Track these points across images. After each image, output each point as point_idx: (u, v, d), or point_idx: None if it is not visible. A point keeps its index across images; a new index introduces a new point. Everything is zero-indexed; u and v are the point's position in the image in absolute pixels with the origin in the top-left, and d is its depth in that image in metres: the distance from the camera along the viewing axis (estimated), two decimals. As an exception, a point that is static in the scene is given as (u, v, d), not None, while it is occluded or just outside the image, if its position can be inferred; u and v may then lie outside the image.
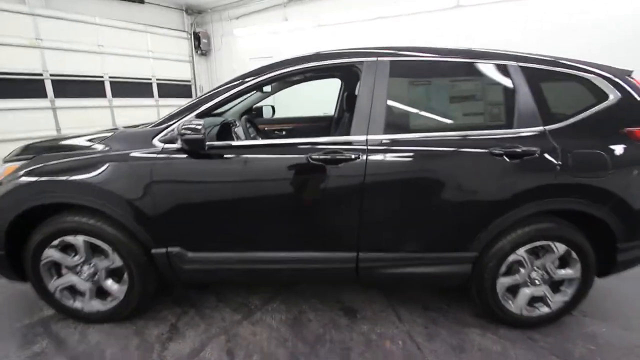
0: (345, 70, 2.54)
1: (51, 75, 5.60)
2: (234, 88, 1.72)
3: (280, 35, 6.53)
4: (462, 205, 1.66)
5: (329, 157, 1.61)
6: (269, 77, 1.72)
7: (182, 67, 7.54)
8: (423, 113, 1.76)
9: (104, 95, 6.32)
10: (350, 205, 1.65)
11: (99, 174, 1.63)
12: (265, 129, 3.24)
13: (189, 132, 1.50)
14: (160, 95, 7.14)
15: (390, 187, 1.64)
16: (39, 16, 5.42)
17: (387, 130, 1.64)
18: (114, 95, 6.43)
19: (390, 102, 1.67)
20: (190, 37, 7.50)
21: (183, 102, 1.82)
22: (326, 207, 1.68)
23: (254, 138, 2.09)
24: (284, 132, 3.25)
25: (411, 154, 1.62)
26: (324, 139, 1.70)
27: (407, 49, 1.75)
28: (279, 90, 3.02)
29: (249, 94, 2.79)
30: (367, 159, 1.60)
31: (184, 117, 1.68)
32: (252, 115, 3.26)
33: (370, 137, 1.64)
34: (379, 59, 1.70)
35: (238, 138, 2.19)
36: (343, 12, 5.83)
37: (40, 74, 5.51)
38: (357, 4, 5.68)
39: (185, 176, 1.66)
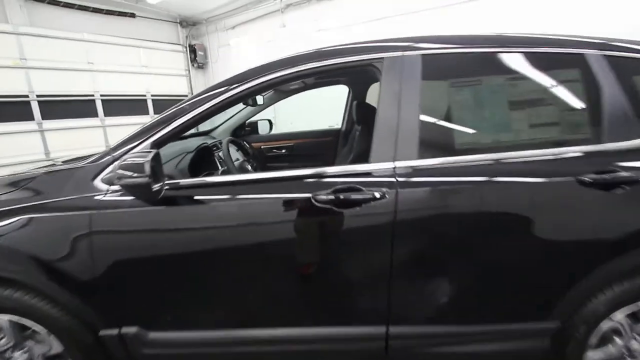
0: (354, 72, 2.02)
1: (38, 96, 5.27)
2: (205, 103, 1.24)
3: (279, 43, 6.12)
4: (536, 256, 1.14)
5: (341, 197, 1.12)
6: (247, 90, 1.24)
7: (178, 81, 7.19)
8: (472, 127, 1.24)
9: (95, 114, 5.97)
10: (375, 263, 1.16)
11: (14, 231, 1.16)
12: (262, 147, 2.77)
13: (129, 173, 1.02)
14: (155, 112, 6.76)
15: (431, 236, 1.15)
16: (23, 35, 5.11)
17: (422, 154, 1.15)
18: (107, 114, 6.08)
19: (424, 113, 1.18)
20: (186, 50, 7.17)
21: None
22: (340, 267, 1.19)
23: (241, 166, 1.61)
24: (283, 151, 2.77)
25: (460, 187, 1.13)
26: (333, 169, 1.21)
27: (443, 39, 1.26)
28: (273, 103, 2.55)
29: (233, 108, 2.31)
30: (397, 197, 1.10)
31: (135, 145, 1.20)
32: (246, 131, 2.79)
33: (399, 164, 1.14)
34: (406, 53, 1.20)
35: (222, 166, 1.71)
36: (344, 14, 5.41)
37: (26, 96, 5.17)
38: (359, 4, 5.25)
39: (140, 230, 1.18)
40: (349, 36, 5.33)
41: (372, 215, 1.11)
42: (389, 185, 1.12)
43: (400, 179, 1.12)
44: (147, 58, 6.55)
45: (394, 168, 1.14)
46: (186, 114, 1.22)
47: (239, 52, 6.81)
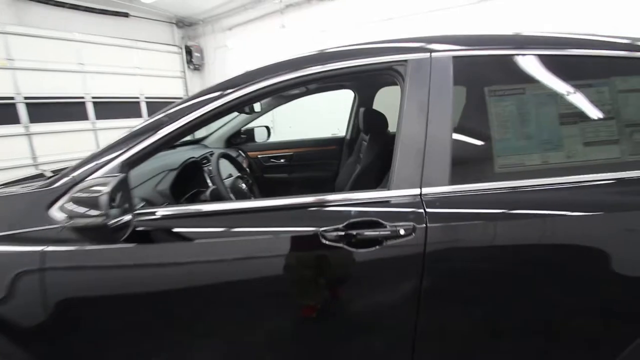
0: (365, 76, 1.79)
1: (25, 98, 5.04)
2: (190, 113, 1.01)
3: (279, 44, 5.90)
4: (611, 299, 0.92)
5: (356, 233, 0.89)
6: (243, 97, 1.01)
7: (174, 83, 6.96)
8: (518, 143, 0.99)
9: (86, 117, 5.74)
10: (398, 318, 0.93)
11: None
12: (259, 156, 2.54)
13: (80, 210, 0.79)
14: (150, 115, 6.52)
15: (473, 284, 0.92)
16: (10, 34, 4.87)
17: (457, 177, 0.93)
18: (98, 117, 5.84)
19: (458, 128, 0.96)
20: (182, 51, 6.95)
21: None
22: (352, 324, 0.97)
23: (233, 185, 1.37)
24: (282, 160, 2.55)
25: (510, 221, 0.91)
26: (343, 196, 0.97)
27: (480, 39, 1.04)
28: (271, 109, 2.33)
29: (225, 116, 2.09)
30: (426, 233, 0.88)
31: (101, 165, 0.97)
32: (242, 139, 2.57)
33: (427, 190, 0.92)
34: (435, 55, 0.99)
35: (213, 183, 1.47)
36: (347, 15, 5.20)
37: (12, 98, 4.93)
38: (362, 5, 5.05)
39: (103, 274, 0.95)
40: (352, 38, 5.12)
41: (394, 258, 0.89)
42: (416, 217, 0.89)
43: (429, 210, 0.90)
44: (141, 59, 6.34)
45: (421, 195, 0.92)
46: (166, 125, 0.99)
47: (236, 53, 6.59)
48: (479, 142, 0.97)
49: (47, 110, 5.26)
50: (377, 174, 1.82)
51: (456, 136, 0.95)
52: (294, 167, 2.54)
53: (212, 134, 2.47)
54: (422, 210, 0.90)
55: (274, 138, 2.81)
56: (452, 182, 0.93)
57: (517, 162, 0.95)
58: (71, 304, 0.95)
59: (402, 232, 0.88)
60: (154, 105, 6.55)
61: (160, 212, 0.97)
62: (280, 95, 2.25)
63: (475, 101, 0.98)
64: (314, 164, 2.52)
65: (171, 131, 0.99)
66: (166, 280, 0.95)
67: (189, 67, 7.02)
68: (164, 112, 1.05)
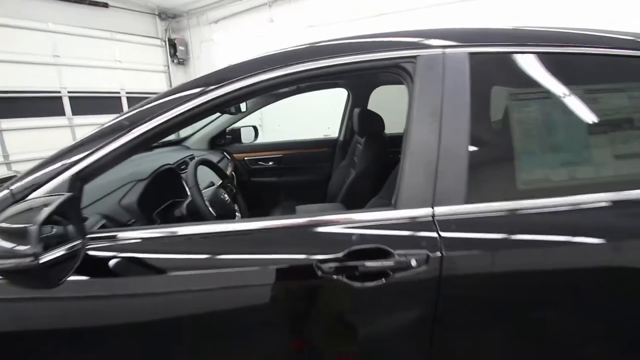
0: (366, 74, 1.60)
1: (-6, 92, 4.71)
2: (162, 113, 0.84)
3: (267, 39, 5.70)
4: None
5: (356, 265, 0.75)
6: (223, 97, 0.85)
7: (157, 77, 6.68)
8: (549, 154, 0.86)
9: (62, 113, 5.44)
10: None
11: None
12: (245, 158, 2.37)
13: (7, 245, 0.62)
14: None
15: (495, 326, 0.79)
16: (-22, 23, 4.54)
17: (475, 194, 0.79)
18: (75, 112, 5.55)
19: (476, 137, 0.82)
20: (165, 44, 6.66)
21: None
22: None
23: (214, 197, 1.19)
24: (270, 163, 2.38)
25: (544, 249, 0.77)
26: (339, 216, 0.82)
27: (500, 33, 0.90)
28: (258, 108, 2.16)
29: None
30: (442, 263, 0.74)
31: (45, 181, 0.79)
32: (227, 140, 2.39)
33: (441, 210, 0.78)
34: (449, 51, 0.85)
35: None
36: (337, 9, 5.04)
37: (-21, 91, 4.62)
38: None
39: (43, 315, 0.78)
40: (344, 34, 4.96)
41: (403, 293, 0.75)
42: (429, 244, 0.75)
43: (444, 234, 0.76)
44: (122, 52, 6.05)
45: (434, 216, 0.78)
46: (131, 129, 0.82)
47: (223, 48, 6.35)
48: (501, 153, 0.84)
49: (19, 105, 4.95)
50: (373, 180, 1.69)
51: (474, 145, 0.81)
52: (283, 170, 2.38)
53: (194, 134, 2.28)
54: (435, 235, 0.76)
55: (262, 138, 2.65)
56: (469, 199, 0.79)
57: (546, 177, 0.82)
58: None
59: (413, 262, 0.73)
60: (136, 101, 6.15)
61: (121, 236, 0.80)
62: (268, 94, 2.09)
63: (496, 105, 0.84)
64: (304, 167, 2.37)
65: (139, 134, 0.83)
66: (120, 323, 0.79)
67: (172, 61, 6.74)
68: (127, 114, 0.88)
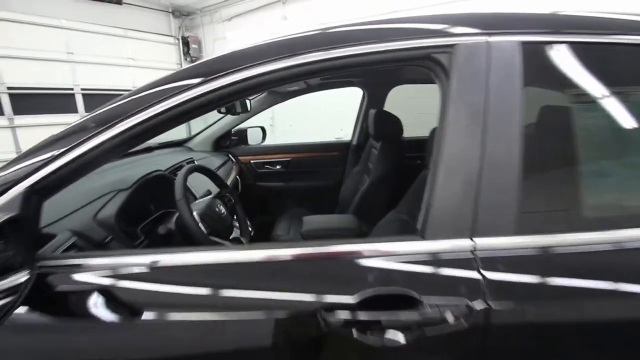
0: (390, 68, 1.35)
1: (8, 88, 4.76)
2: (146, 109, 0.69)
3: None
4: None
5: (375, 317, 0.57)
6: (220, 91, 0.69)
7: (169, 76, 6.65)
8: (624, 173, 0.67)
9: (75, 110, 5.47)
10: None
11: None
12: (251, 161, 2.22)
13: None
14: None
15: None
16: (-7, 20, 4.57)
17: (529, 223, 0.60)
18: (88, 109, 5.53)
19: (532, 148, 0.63)
20: (179, 42, 6.63)
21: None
22: None
23: (208, 209, 1.01)
24: (278, 167, 2.22)
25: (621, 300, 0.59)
26: (349, 246, 0.64)
27: (560, 20, 0.71)
28: (265, 108, 2.00)
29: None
30: (488, 316, 0.56)
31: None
32: (233, 141, 2.25)
33: (483, 242, 0.60)
34: (494, 39, 0.66)
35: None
36: (351, 7, 4.88)
37: (-6, 87, 4.65)
38: (369, -5, 4.72)
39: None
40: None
41: (436, 355, 0.57)
42: (468, 289, 0.57)
43: (488, 275, 0.58)
44: (135, 50, 6.05)
45: (474, 251, 0.60)
46: (105, 130, 0.67)
47: (236, 45, 6.25)
48: (563, 169, 0.65)
49: (32, 101, 4.99)
50: (388, 189, 1.53)
51: (527, 158, 0.62)
52: (291, 175, 2.22)
53: (198, 134, 2.15)
54: (478, 276, 0.58)
55: (273, 138, 2.50)
56: (521, 230, 0.60)
57: (623, 202, 0.63)
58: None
59: (449, 317, 0.55)
60: (148, 99, 6.23)
61: (82, 261, 0.65)
62: (274, 91, 1.93)
63: (557, 108, 0.65)
64: (314, 172, 2.20)
65: (114, 136, 0.68)
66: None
67: (185, 59, 6.71)
68: (100, 110, 0.74)
